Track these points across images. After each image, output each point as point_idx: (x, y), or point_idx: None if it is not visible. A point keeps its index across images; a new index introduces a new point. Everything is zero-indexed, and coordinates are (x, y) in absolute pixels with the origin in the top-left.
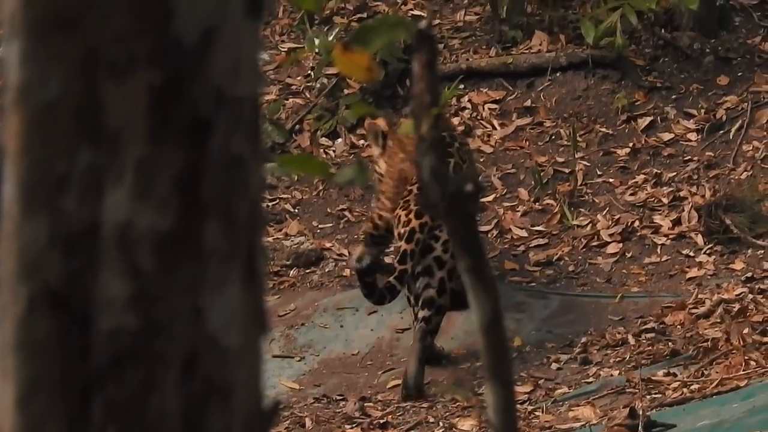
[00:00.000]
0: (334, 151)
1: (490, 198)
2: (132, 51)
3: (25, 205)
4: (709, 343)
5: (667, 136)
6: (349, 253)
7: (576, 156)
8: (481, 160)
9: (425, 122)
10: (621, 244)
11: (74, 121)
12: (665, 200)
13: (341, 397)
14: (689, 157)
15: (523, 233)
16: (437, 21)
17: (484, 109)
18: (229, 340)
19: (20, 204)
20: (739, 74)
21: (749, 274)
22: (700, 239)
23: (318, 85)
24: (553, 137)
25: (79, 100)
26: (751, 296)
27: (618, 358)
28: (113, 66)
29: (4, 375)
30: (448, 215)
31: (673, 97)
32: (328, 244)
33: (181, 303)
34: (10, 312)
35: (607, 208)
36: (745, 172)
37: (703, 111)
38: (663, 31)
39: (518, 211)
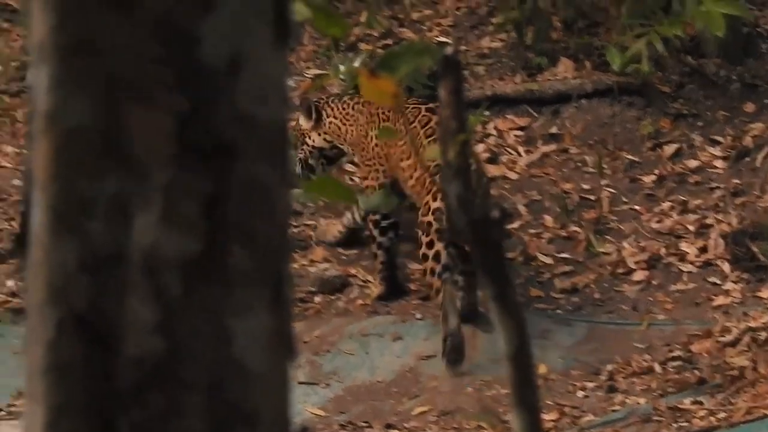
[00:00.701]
0: (359, 177)
1: (516, 225)
2: (158, 77)
3: (54, 230)
4: (736, 371)
5: (693, 164)
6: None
7: (602, 183)
8: (507, 187)
9: (451, 149)
10: (647, 272)
11: (101, 146)
12: (691, 228)
13: (366, 425)
14: (716, 184)
15: (549, 260)
16: (463, 47)
17: (509, 135)
18: (255, 365)
19: (48, 229)
20: (765, 101)
21: None
22: (726, 267)
23: None
24: (579, 164)
25: (105, 125)
26: None
27: (644, 386)
28: (140, 91)
29: (33, 398)
30: (474, 242)
31: (699, 124)
32: (353, 271)
33: (207, 327)
34: (38, 336)
35: (633, 236)
36: None
37: (729, 138)
38: (689, 58)
39: (544, 238)
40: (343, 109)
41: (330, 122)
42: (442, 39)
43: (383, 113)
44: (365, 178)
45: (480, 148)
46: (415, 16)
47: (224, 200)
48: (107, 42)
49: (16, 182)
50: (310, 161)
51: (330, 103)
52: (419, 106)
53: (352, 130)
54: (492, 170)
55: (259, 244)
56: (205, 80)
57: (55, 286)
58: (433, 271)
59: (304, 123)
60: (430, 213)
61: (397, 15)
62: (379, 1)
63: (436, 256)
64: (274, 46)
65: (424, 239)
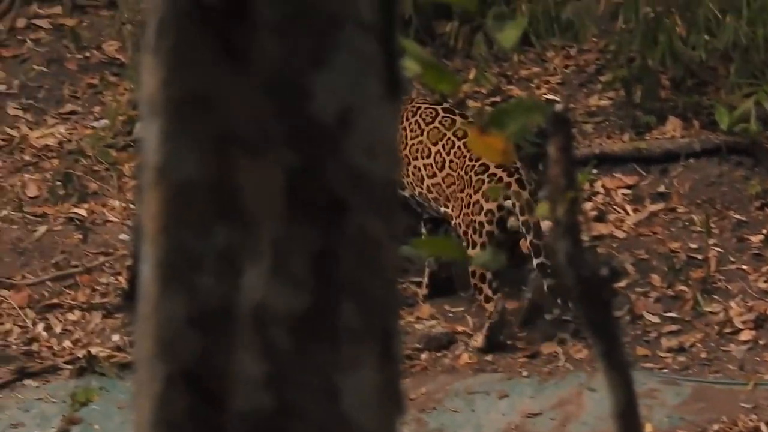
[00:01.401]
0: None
1: (623, 283)
2: (269, 131)
3: (163, 284)
4: None
5: None
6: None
7: (709, 242)
8: (614, 245)
9: (560, 206)
10: (754, 332)
11: (211, 200)
12: None
13: None
14: None
15: (656, 319)
16: (571, 105)
17: (617, 194)
18: (364, 422)
19: (158, 283)
20: None
21: None
22: None
23: None
24: (687, 223)
25: (216, 179)
26: None
27: None
28: (250, 146)
29: None
30: (583, 300)
31: None
32: (459, 328)
33: (316, 383)
34: (146, 390)
35: (741, 295)
36: None
37: None
38: None
39: (651, 296)
40: None
41: None
42: (551, 96)
43: None
44: None
45: (588, 206)
46: (523, 73)
47: (334, 255)
48: (219, 95)
49: (123, 237)
50: None
51: None
52: (433, 106)
53: None
54: (599, 228)
55: (368, 300)
56: (316, 135)
57: (164, 340)
58: (483, 277)
59: None
60: (482, 213)
61: (505, 72)
62: (487, 58)
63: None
64: (385, 100)
65: (477, 239)
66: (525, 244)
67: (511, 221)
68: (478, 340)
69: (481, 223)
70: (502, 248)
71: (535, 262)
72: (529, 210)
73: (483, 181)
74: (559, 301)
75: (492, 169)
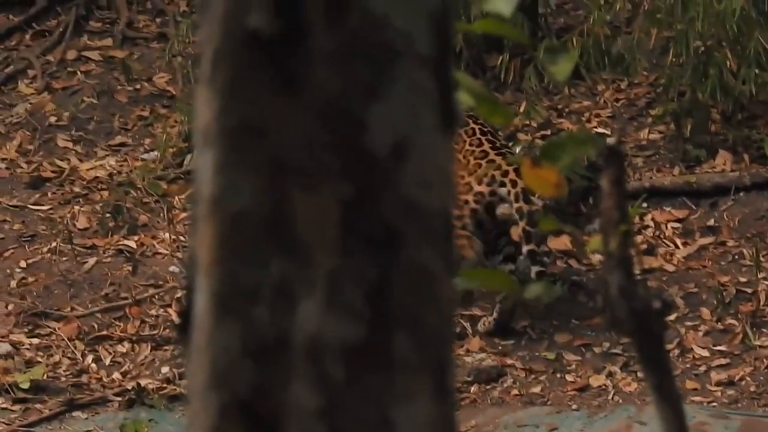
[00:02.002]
0: (516, 267)
1: (672, 317)
2: (324, 162)
3: (217, 315)
4: None
5: None
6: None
7: (759, 276)
8: (664, 279)
9: (613, 239)
10: None
11: (266, 231)
12: None
13: None
14: None
15: (705, 353)
16: (622, 139)
17: (666, 227)
18: None
19: (212, 314)
20: None
21: None
22: None
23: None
24: (736, 257)
25: (270, 210)
26: None
27: None
28: (305, 177)
29: None
30: (635, 333)
31: None
32: (509, 361)
33: (371, 415)
34: (200, 421)
35: None
36: None
37: None
38: None
39: (700, 330)
40: None
41: None
42: (601, 130)
43: None
44: None
45: (638, 239)
46: (574, 106)
47: (389, 287)
48: (274, 126)
49: (172, 269)
50: None
51: None
52: None
53: None
54: (650, 262)
55: (423, 332)
56: (371, 166)
57: (219, 371)
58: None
59: None
60: (471, 193)
61: (556, 105)
62: (538, 91)
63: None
64: (440, 132)
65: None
66: (517, 232)
67: (503, 208)
68: (488, 323)
69: (466, 201)
70: (489, 236)
71: (525, 248)
72: (525, 198)
73: (480, 165)
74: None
75: (491, 156)
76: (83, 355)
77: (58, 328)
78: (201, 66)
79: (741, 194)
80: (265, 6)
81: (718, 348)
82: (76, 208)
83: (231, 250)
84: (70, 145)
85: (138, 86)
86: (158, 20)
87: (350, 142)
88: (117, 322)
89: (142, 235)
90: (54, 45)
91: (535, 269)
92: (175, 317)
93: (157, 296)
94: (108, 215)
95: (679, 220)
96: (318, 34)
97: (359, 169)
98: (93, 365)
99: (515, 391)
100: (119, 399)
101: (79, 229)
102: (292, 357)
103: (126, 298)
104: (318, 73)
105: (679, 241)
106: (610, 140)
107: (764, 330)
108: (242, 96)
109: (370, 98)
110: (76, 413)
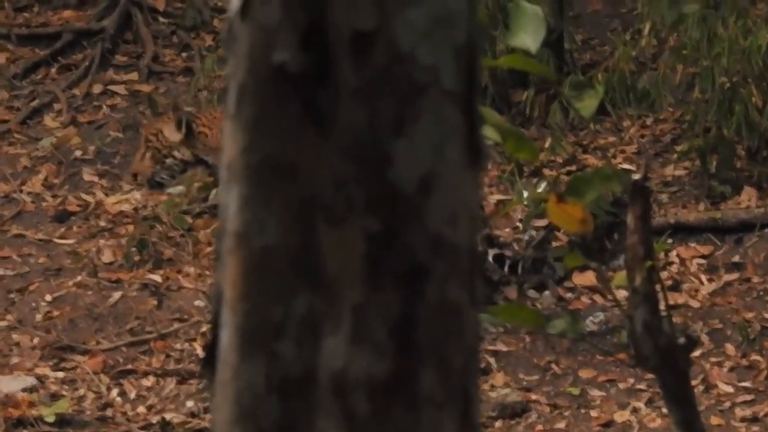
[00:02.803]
0: (540, 303)
1: (697, 353)
2: (350, 197)
3: (243, 350)
4: None
5: None
6: None
7: None
8: (689, 315)
9: (638, 275)
10: None
11: (291, 266)
12: None
13: None
14: None
15: (730, 389)
16: (647, 175)
17: (691, 263)
18: None
19: (238, 349)
20: None
21: None
22: None
23: (526, 238)
24: (761, 293)
25: (296, 245)
26: None
27: None
28: (331, 212)
29: None
30: (660, 368)
31: None
32: (533, 396)
33: None
34: None
35: None
36: None
37: None
38: None
39: (725, 366)
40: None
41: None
42: (626, 166)
43: None
44: None
45: (663, 275)
46: (599, 142)
47: (414, 322)
48: (300, 161)
49: (198, 303)
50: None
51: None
52: None
53: None
54: (674, 298)
55: (448, 367)
56: (397, 202)
57: (244, 406)
58: None
59: (175, 137)
60: None
61: (581, 141)
62: (563, 126)
63: None
64: (466, 168)
65: None
66: None
67: None
68: None
69: None
70: None
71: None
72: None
73: None
74: (505, 270)
75: None
76: (108, 389)
77: (84, 362)
78: (227, 101)
79: (766, 230)
80: (291, 41)
81: (743, 384)
82: (102, 241)
83: (256, 285)
84: (95, 178)
85: None
86: (184, 54)
87: (376, 178)
88: (142, 356)
89: (168, 269)
90: (80, 79)
91: (492, 252)
92: (200, 351)
93: (182, 330)
94: (133, 249)
95: (704, 256)
96: (344, 69)
97: (385, 204)
98: (118, 399)
99: (540, 427)
100: None
101: (104, 263)
102: (318, 392)
103: (151, 332)
104: (344, 108)
105: (704, 277)
106: (636, 176)
107: None
108: (268, 131)
109: (396, 133)
110: None
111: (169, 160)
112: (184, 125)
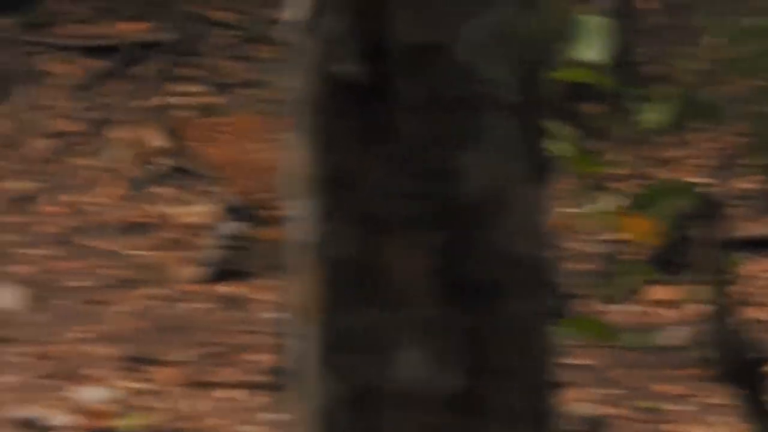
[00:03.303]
0: (612, 317)
1: None
2: (415, 211)
3: (318, 362)
4: None
5: None
6: None
7: None
8: (760, 329)
9: (710, 289)
10: None
11: (364, 280)
12: None
13: None
14: None
15: None
16: (716, 188)
17: (762, 277)
18: None
19: (312, 361)
20: None
21: None
22: None
23: (596, 251)
24: None
25: (365, 258)
26: None
27: None
28: (397, 225)
29: None
30: (734, 382)
31: None
32: (609, 410)
33: None
34: None
35: None
36: None
37: None
38: None
39: None
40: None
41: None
42: (693, 179)
43: None
44: None
45: (734, 289)
46: (665, 155)
47: (485, 336)
48: (365, 175)
49: (270, 315)
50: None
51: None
52: None
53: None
54: (745, 312)
55: (520, 381)
56: (463, 216)
57: (319, 417)
58: None
59: (163, 144)
60: None
61: (646, 154)
62: (628, 139)
63: None
64: (531, 180)
65: None
66: None
67: None
68: None
69: None
70: None
71: None
72: None
73: None
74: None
75: None
76: (182, 401)
77: (158, 374)
78: (292, 113)
79: None
80: (353, 54)
81: None
82: (174, 253)
83: (331, 298)
84: (164, 190)
85: None
86: (246, 66)
87: (440, 192)
88: (215, 368)
89: (241, 281)
90: (144, 90)
91: None
92: (273, 363)
93: (254, 342)
94: (203, 261)
95: None
96: (406, 83)
97: (450, 218)
98: (191, 411)
99: None
100: None
101: (176, 275)
102: (389, 405)
103: (224, 344)
104: (404, 121)
105: None
106: (706, 190)
107: None
108: (332, 144)
109: (459, 147)
110: None
111: (152, 166)
112: (172, 133)
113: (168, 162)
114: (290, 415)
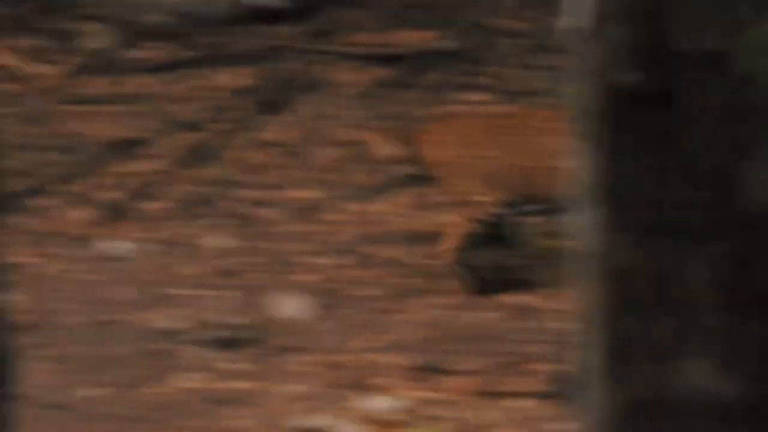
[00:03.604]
0: None
1: None
2: (709, 220)
3: (606, 370)
4: None
5: None
6: None
7: None
8: None
9: None
10: None
11: (652, 288)
12: None
13: None
14: None
15: None
16: None
17: None
18: None
19: (601, 369)
20: None
21: None
22: None
23: None
24: None
25: (654, 266)
26: None
27: None
28: (689, 234)
29: None
30: None
31: None
32: None
33: None
34: None
35: None
36: None
37: None
38: None
39: None
40: None
41: None
42: None
43: None
44: None
45: None
46: None
47: None
48: (649, 184)
49: (555, 324)
50: None
51: None
52: None
53: None
54: None
55: None
56: (750, 226)
57: (604, 427)
58: None
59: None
60: None
61: None
62: None
63: None
64: None
65: None
66: None
67: None
68: None
69: None
70: None
71: None
72: None
73: None
74: None
75: None
76: (470, 411)
77: (446, 384)
78: (579, 122)
79: None
80: (638, 62)
81: None
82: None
83: (620, 306)
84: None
85: None
86: (535, 75)
87: (725, 201)
88: (506, 378)
89: (529, 290)
90: (429, 99)
91: None
92: (560, 373)
93: (546, 352)
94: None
95: None
96: (692, 91)
97: (736, 228)
98: (480, 421)
99: None
100: None
101: (461, 286)
102: (674, 414)
103: (515, 354)
104: (690, 130)
105: None
106: None
107: None
108: (617, 153)
109: (742, 157)
110: None
111: (384, 174)
112: (405, 141)
113: (403, 169)
114: (577, 425)
